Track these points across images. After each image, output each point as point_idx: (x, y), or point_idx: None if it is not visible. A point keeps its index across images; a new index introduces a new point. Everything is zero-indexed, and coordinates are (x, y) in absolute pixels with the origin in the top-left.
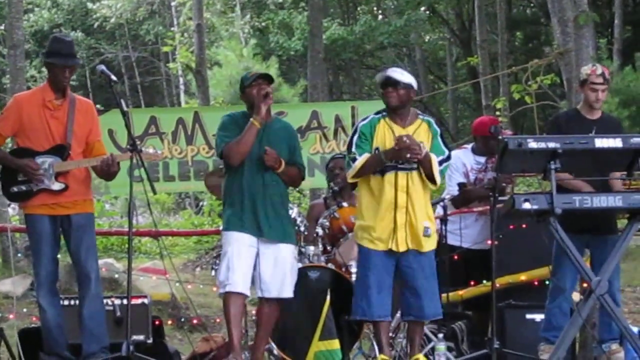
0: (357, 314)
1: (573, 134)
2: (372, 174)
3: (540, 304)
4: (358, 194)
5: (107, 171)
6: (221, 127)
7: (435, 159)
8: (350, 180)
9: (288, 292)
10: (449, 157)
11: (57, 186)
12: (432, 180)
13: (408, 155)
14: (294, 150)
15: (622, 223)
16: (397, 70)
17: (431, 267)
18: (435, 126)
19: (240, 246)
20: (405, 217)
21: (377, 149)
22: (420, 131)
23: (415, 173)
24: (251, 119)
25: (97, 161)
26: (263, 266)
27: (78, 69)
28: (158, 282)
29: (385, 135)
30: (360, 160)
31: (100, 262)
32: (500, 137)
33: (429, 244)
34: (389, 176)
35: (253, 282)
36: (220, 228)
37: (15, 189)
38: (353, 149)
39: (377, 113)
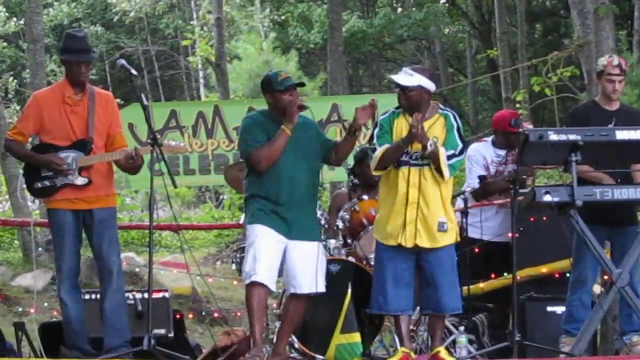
0: (374, 308)
1: (592, 125)
2: (393, 165)
3: (562, 296)
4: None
5: (132, 165)
6: (246, 129)
7: (443, 153)
8: (374, 172)
9: (320, 287)
10: (461, 152)
11: (80, 181)
12: (441, 173)
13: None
14: (322, 135)
15: None
16: (406, 72)
17: (451, 261)
18: (452, 120)
19: (268, 239)
20: (416, 212)
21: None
22: (436, 126)
23: (427, 169)
24: (283, 126)
25: (121, 155)
26: (293, 263)
27: (94, 62)
28: (179, 276)
29: (403, 130)
30: (380, 150)
31: (121, 256)
32: (520, 130)
33: (446, 239)
34: (403, 171)
35: (279, 276)
36: (241, 221)
37: (39, 184)
38: (374, 141)
39: (397, 107)
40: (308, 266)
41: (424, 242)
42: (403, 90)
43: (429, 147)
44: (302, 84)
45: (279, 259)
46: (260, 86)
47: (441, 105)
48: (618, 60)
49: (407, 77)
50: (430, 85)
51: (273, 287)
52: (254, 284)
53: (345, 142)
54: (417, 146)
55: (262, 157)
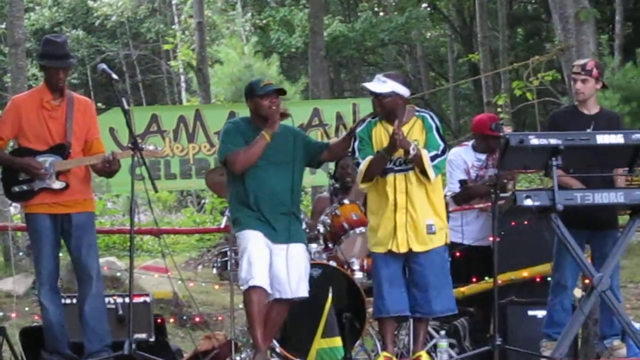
0: (375, 313)
1: (571, 130)
2: (379, 175)
3: (542, 300)
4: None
5: (108, 169)
6: (226, 133)
7: (426, 155)
8: (361, 186)
9: (303, 292)
10: (444, 151)
11: (58, 185)
12: (427, 176)
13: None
14: (306, 138)
15: (622, 219)
16: (380, 79)
17: (442, 263)
18: (430, 120)
19: (259, 242)
20: (405, 217)
21: (377, 152)
22: (415, 129)
23: (412, 173)
24: (263, 132)
25: (98, 159)
26: (278, 267)
27: (75, 67)
28: (160, 280)
29: (382, 138)
30: (364, 162)
31: (102, 260)
32: (501, 134)
33: (436, 241)
34: (389, 179)
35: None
36: (222, 225)
37: (16, 188)
38: (356, 155)
39: (373, 117)
40: (293, 270)
41: (415, 246)
42: (377, 97)
43: (411, 152)
44: (283, 91)
45: (268, 264)
46: (244, 93)
47: (417, 108)
48: (585, 61)
49: (380, 85)
50: (404, 91)
51: (270, 290)
52: (253, 288)
53: (344, 141)
54: (399, 152)
55: (238, 159)
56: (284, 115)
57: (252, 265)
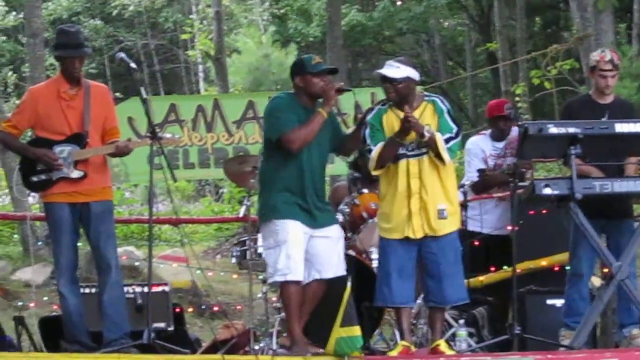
0: (379, 301)
1: (586, 119)
2: (391, 160)
3: (561, 289)
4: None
5: (122, 154)
6: (277, 110)
7: (441, 138)
8: (373, 172)
9: (342, 271)
10: (457, 134)
11: (76, 174)
12: (441, 159)
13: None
14: (336, 121)
15: (638, 208)
16: (393, 65)
17: (454, 251)
18: (441, 104)
19: (299, 235)
20: (419, 203)
21: (390, 137)
22: (426, 114)
23: (426, 158)
24: (320, 109)
25: (114, 148)
26: (317, 250)
27: (91, 56)
28: (178, 270)
29: (394, 124)
30: (376, 149)
31: (121, 250)
32: (507, 114)
33: (447, 226)
34: (401, 164)
35: None
36: (241, 214)
37: (35, 178)
38: (368, 142)
39: (383, 104)
40: (332, 251)
41: (429, 231)
42: (392, 83)
43: (426, 135)
44: (335, 71)
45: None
46: (290, 69)
47: (426, 93)
48: (610, 55)
49: (395, 70)
50: (415, 75)
51: (307, 278)
52: (291, 282)
53: (353, 134)
54: (412, 137)
55: (296, 137)
56: (341, 90)
57: (290, 259)
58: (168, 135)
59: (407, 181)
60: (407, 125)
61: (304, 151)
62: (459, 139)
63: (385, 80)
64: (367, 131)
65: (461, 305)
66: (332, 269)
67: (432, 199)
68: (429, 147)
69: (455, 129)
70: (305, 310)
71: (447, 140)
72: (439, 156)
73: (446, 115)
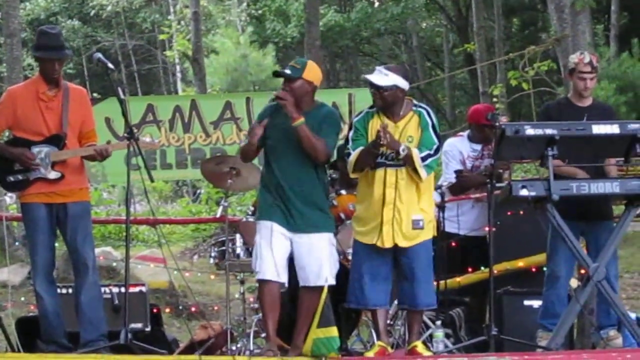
0: (351, 302)
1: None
2: (369, 167)
3: (538, 290)
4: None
5: (101, 158)
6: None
7: (417, 155)
8: (352, 175)
9: (330, 280)
10: (437, 150)
11: (53, 175)
12: (418, 174)
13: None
14: (322, 127)
15: (617, 210)
16: (382, 72)
17: (427, 256)
18: (427, 117)
19: (269, 235)
20: (392, 213)
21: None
22: (411, 125)
23: (404, 169)
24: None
25: (93, 150)
26: (297, 255)
27: (70, 58)
28: (156, 270)
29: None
30: (354, 154)
31: (98, 250)
32: (497, 124)
33: (422, 235)
34: (379, 172)
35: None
36: (218, 215)
37: (11, 178)
38: (349, 144)
39: (371, 107)
40: (312, 259)
41: (401, 241)
42: (378, 89)
43: (402, 153)
44: (275, 73)
45: (285, 251)
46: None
47: (415, 102)
48: (589, 58)
49: (382, 77)
50: (404, 84)
51: (283, 279)
52: (262, 281)
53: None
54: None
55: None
56: (278, 98)
57: (258, 259)
58: (147, 140)
59: (383, 190)
60: (379, 142)
61: (282, 153)
62: (438, 155)
63: (372, 86)
64: (351, 133)
65: (438, 306)
66: (312, 278)
67: (406, 209)
68: (405, 162)
69: (436, 144)
70: (304, 321)
71: (425, 157)
72: (415, 171)
73: (430, 130)
